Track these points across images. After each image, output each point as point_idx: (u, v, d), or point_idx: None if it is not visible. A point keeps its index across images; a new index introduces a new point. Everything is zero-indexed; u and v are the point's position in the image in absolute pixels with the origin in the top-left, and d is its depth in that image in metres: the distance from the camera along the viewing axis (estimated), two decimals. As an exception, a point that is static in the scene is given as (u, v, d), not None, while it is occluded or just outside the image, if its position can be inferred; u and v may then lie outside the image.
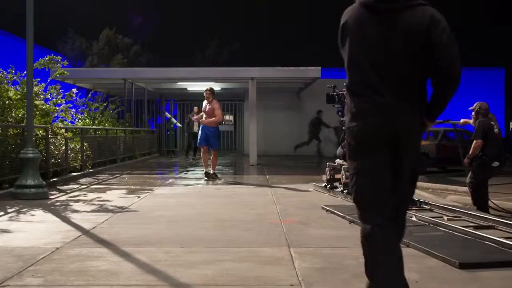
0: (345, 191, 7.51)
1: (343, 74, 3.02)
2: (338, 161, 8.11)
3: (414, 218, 5.64)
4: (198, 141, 10.84)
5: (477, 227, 5.17)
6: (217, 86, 18.28)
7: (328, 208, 6.37)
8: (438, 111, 2.72)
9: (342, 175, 7.79)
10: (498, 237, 4.54)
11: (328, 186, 8.25)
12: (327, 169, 8.38)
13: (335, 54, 3.20)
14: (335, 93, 7.78)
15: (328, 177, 8.35)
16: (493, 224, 5.32)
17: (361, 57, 2.71)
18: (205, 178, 10.58)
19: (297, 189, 8.87)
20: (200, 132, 10.79)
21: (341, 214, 5.91)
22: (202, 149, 10.78)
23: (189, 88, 19.46)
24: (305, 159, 17.14)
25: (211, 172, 10.63)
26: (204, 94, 10.76)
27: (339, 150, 8.31)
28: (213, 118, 10.54)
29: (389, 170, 2.72)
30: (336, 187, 8.13)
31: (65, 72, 11.59)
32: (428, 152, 14.85)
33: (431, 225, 5.33)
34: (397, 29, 2.66)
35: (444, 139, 15.42)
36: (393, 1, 2.68)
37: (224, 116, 20.89)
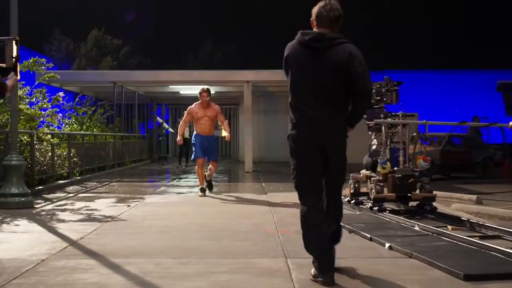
0: (375, 208, 6.58)
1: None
2: (364, 171, 7.19)
3: (417, 228, 5.54)
4: (194, 153, 9.06)
5: (482, 237, 5.09)
6: (211, 90, 18.11)
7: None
8: (356, 120, 3.75)
9: (371, 189, 6.74)
10: (504, 248, 4.42)
11: (353, 202, 7.22)
12: (350, 181, 7.28)
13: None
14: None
15: (352, 191, 7.32)
16: (499, 234, 5.22)
17: (299, 83, 3.64)
18: (200, 194, 8.84)
19: (295, 198, 8.64)
20: (196, 141, 8.99)
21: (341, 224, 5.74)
22: (198, 162, 8.95)
23: (182, 92, 19.30)
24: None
25: (207, 179, 9.08)
26: (202, 95, 9.02)
27: (366, 159, 7.26)
28: (227, 127, 9.20)
29: (320, 165, 3.69)
30: (362, 203, 7.13)
31: (56, 75, 11.35)
32: (432, 158, 14.51)
33: (435, 234, 5.22)
34: (325, 62, 3.56)
35: (449, 144, 15.17)
36: (321, 41, 3.60)
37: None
